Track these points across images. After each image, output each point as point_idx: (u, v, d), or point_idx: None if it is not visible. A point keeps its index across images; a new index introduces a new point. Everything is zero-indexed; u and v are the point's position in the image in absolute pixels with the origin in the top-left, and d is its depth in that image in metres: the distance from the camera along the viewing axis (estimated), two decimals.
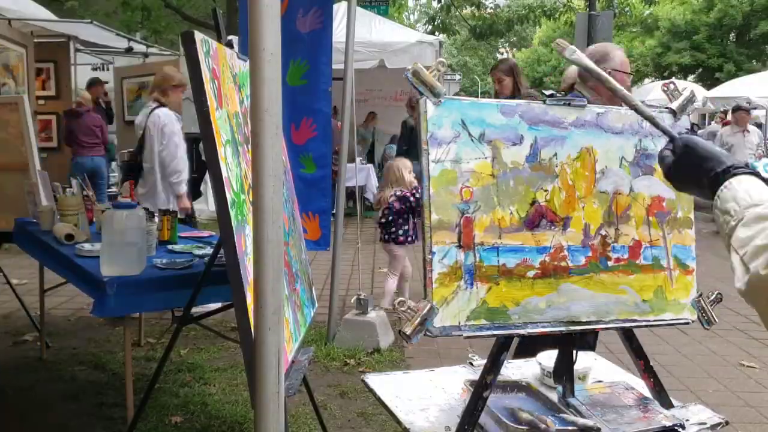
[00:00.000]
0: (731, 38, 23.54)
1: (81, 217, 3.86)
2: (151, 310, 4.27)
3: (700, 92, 16.03)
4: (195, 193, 8.82)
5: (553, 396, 1.83)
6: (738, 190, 1.08)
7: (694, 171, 1.19)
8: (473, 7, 15.60)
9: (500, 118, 1.69)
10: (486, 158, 1.66)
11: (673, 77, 22.44)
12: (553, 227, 1.72)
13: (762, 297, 0.95)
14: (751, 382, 4.14)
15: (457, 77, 29.67)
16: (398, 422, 1.78)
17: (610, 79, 1.58)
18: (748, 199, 1.05)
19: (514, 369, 2.11)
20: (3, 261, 5.31)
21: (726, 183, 1.11)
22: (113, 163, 10.76)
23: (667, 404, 1.84)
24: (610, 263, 1.79)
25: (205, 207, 9.19)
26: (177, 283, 2.91)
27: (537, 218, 1.71)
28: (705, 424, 1.77)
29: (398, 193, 5.22)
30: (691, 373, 4.24)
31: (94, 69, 10.42)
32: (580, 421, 1.68)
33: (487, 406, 1.66)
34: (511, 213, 1.67)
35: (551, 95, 1.76)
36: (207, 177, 7.77)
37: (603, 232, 1.78)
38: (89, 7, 12.61)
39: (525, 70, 36.22)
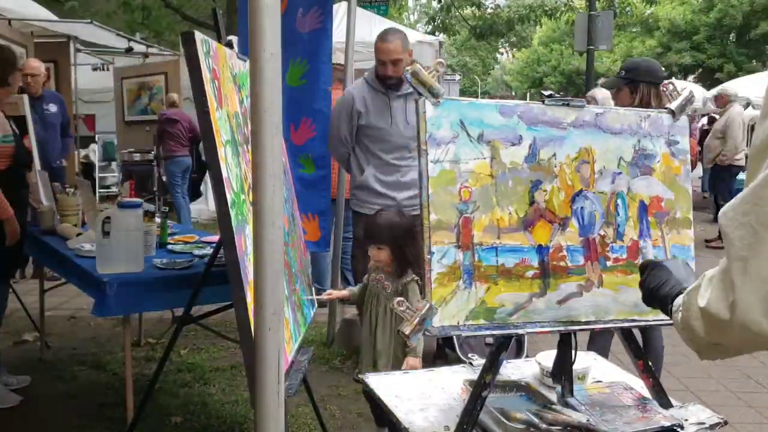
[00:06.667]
0: (731, 38, 23.51)
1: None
2: (151, 310, 4.28)
3: (700, 92, 15.99)
4: (195, 193, 8.80)
5: (552, 396, 1.83)
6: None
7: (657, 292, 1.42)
8: (473, 7, 15.59)
9: (499, 119, 1.69)
10: (485, 158, 1.66)
11: (673, 77, 22.44)
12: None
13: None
14: (751, 382, 4.14)
15: (457, 77, 29.63)
16: (398, 422, 1.79)
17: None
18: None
19: (514, 369, 2.11)
20: None
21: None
22: (113, 163, 10.76)
23: (666, 404, 1.84)
24: (609, 263, 1.79)
25: (205, 207, 9.19)
26: (177, 283, 2.91)
27: (536, 218, 1.71)
28: (704, 424, 1.78)
29: None
30: (691, 373, 4.24)
31: (94, 69, 10.42)
32: (574, 415, 1.68)
33: (486, 405, 1.66)
34: (510, 213, 1.68)
35: (550, 96, 1.76)
36: (207, 177, 7.77)
37: (602, 232, 1.78)
38: (89, 7, 12.61)
39: (525, 70, 36.22)
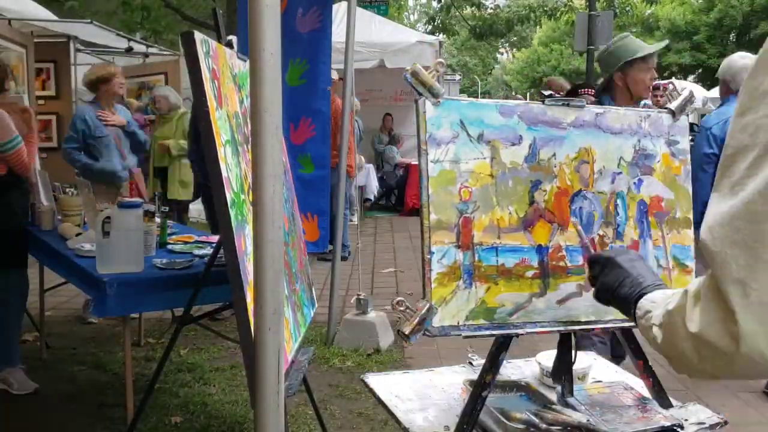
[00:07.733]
0: (731, 38, 23.52)
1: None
2: (151, 310, 4.28)
3: (700, 92, 16.00)
4: (195, 193, 8.80)
5: (552, 396, 1.83)
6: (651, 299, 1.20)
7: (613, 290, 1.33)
8: (473, 8, 15.59)
9: (499, 119, 1.69)
10: (485, 158, 1.66)
11: (673, 77, 22.44)
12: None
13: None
14: (751, 382, 4.14)
15: (457, 77, 29.66)
16: (398, 422, 1.79)
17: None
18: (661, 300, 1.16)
19: (514, 369, 2.11)
20: None
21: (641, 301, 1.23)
22: None
23: (666, 404, 1.84)
24: None
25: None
26: (177, 283, 2.91)
27: (536, 218, 1.71)
28: (704, 424, 1.78)
29: None
30: None
31: None
32: (574, 415, 1.68)
33: (486, 405, 1.66)
34: (510, 213, 1.68)
35: (550, 96, 1.76)
36: None
37: (601, 232, 1.78)
38: (89, 7, 12.60)
39: (525, 70, 36.24)
